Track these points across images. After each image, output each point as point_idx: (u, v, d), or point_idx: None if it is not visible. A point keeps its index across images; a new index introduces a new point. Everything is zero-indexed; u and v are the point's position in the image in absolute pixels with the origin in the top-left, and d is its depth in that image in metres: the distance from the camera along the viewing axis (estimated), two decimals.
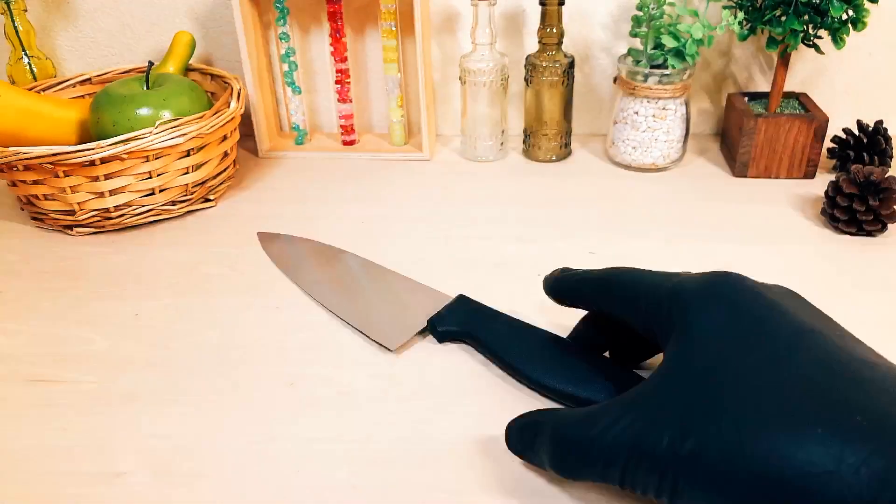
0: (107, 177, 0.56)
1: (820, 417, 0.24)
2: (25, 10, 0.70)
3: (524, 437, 0.34)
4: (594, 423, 0.30)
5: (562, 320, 0.44)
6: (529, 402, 0.40)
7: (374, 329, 0.45)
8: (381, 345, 0.44)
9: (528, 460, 0.35)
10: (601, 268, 0.38)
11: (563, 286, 0.40)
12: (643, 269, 0.36)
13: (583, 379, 0.39)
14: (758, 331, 0.29)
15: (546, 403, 0.40)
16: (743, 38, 0.64)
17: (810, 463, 0.24)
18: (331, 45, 0.70)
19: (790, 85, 0.72)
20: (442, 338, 0.45)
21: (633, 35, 0.65)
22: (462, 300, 0.47)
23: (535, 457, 0.33)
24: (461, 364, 0.43)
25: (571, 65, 0.68)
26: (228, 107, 0.62)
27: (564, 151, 0.72)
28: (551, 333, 0.43)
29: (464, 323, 0.45)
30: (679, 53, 0.64)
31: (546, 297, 0.42)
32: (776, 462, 0.24)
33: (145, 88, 0.61)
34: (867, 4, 0.59)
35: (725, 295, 0.31)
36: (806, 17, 0.60)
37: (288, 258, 0.55)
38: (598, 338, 0.42)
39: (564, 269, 0.41)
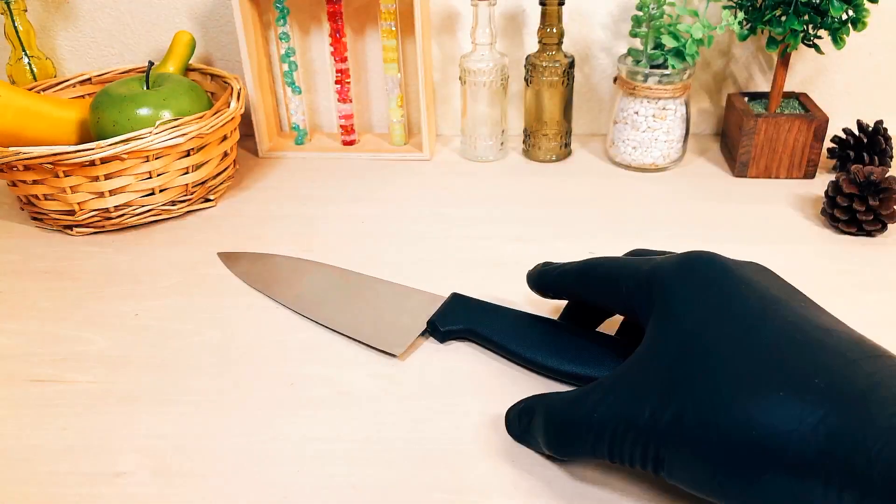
0: (107, 177, 0.56)
1: (782, 382, 0.26)
2: (25, 10, 0.70)
3: (521, 423, 0.36)
4: (582, 404, 0.32)
5: None
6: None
7: (375, 337, 0.45)
8: (385, 352, 0.44)
9: (526, 444, 0.36)
10: (579, 259, 0.40)
11: (545, 280, 0.42)
12: (619, 257, 0.39)
13: (600, 360, 0.40)
14: (727, 305, 0.30)
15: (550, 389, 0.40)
16: (743, 38, 0.64)
17: (774, 424, 0.25)
18: (331, 45, 0.70)
19: (790, 85, 0.72)
20: (444, 338, 0.45)
21: (633, 35, 0.65)
22: (457, 298, 0.46)
23: (532, 440, 0.35)
24: (460, 364, 0.43)
25: (571, 65, 0.68)
26: (228, 107, 0.62)
27: (564, 151, 0.72)
28: (553, 319, 0.44)
29: (465, 320, 0.44)
30: (679, 53, 0.64)
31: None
32: (745, 425, 0.26)
33: (145, 88, 0.61)
34: (867, 4, 0.59)
35: (697, 272, 0.32)
36: (806, 17, 0.60)
37: (258, 276, 0.52)
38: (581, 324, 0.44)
39: (546, 264, 0.43)
